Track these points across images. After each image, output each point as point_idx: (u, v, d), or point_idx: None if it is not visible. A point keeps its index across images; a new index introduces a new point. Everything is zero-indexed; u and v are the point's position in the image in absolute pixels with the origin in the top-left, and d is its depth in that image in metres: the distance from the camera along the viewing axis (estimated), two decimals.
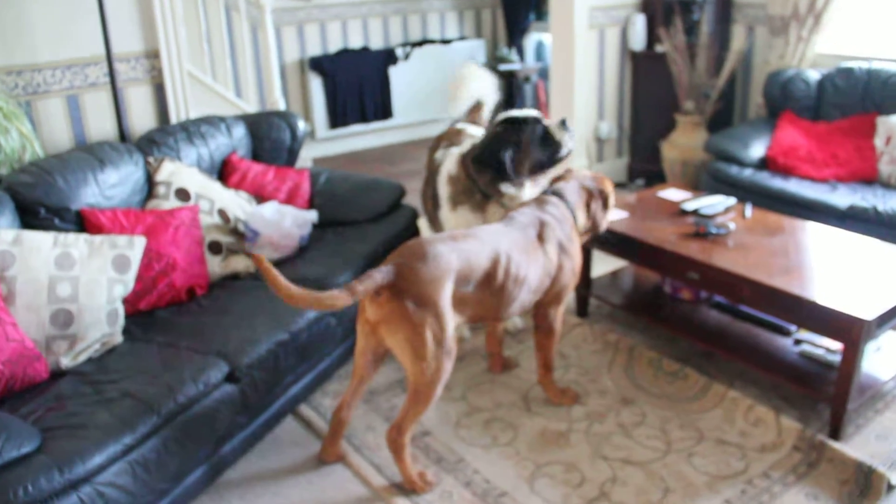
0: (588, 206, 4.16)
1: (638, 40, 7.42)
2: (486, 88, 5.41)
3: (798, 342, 4.34)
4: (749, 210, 4.87)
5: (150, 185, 4.52)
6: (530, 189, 4.54)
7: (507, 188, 4.42)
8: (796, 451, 3.77)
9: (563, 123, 4.41)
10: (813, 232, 4.58)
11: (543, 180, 4.51)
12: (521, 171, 4.39)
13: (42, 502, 2.80)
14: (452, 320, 3.50)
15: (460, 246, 3.53)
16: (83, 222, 4.09)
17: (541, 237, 3.86)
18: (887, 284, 3.90)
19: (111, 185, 4.29)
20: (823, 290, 3.84)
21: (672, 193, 5.25)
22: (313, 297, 3.18)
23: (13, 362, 3.31)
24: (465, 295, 3.56)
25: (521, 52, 10.24)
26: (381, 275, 3.31)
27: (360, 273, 4.38)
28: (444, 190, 4.60)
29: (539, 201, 4.04)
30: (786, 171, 5.88)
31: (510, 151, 4.34)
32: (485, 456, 3.86)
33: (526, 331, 4.97)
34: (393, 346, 3.45)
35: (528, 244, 3.79)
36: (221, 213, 4.59)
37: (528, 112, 4.45)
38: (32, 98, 5.20)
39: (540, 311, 4.10)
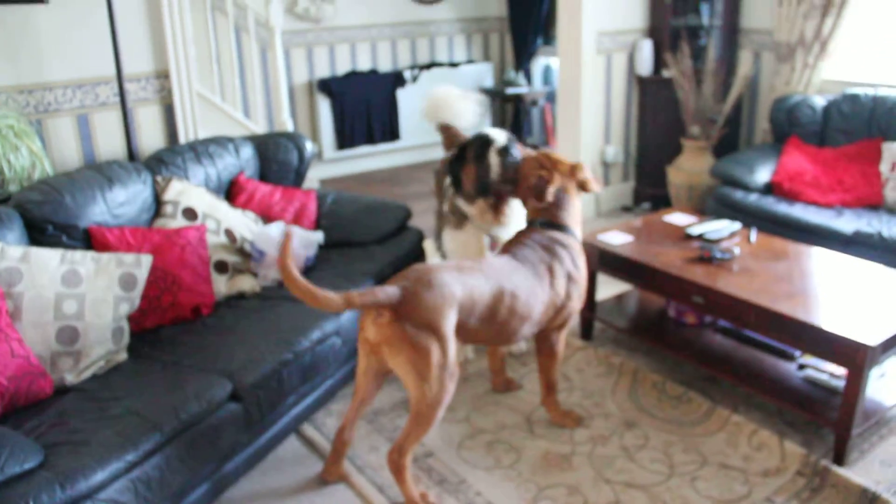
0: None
1: (645, 65, 7.44)
2: (462, 111, 5.41)
3: (802, 367, 4.33)
4: (754, 235, 4.87)
5: (158, 204, 4.53)
6: (518, 216, 4.57)
7: (462, 204, 4.49)
8: (800, 477, 3.75)
9: (506, 149, 4.35)
10: (818, 257, 4.57)
11: (517, 208, 4.53)
12: (467, 188, 4.42)
13: None
14: (455, 344, 3.49)
15: (465, 279, 3.53)
16: (91, 240, 4.11)
17: (551, 272, 3.87)
18: (892, 310, 3.89)
19: (119, 204, 4.30)
20: (828, 316, 3.84)
21: (677, 218, 5.26)
22: (310, 291, 3.18)
23: (18, 378, 3.32)
24: (467, 325, 3.56)
25: (528, 76, 10.30)
26: (384, 294, 3.30)
27: None
28: (445, 209, 4.68)
29: (544, 239, 3.99)
30: (791, 197, 5.89)
31: (455, 168, 4.43)
32: (487, 478, 3.85)
33: (529, 353, 4.97)
34: (395, 367, 3.44)
35: (535, 282, 3.80)
36: (228, 232, 4.60)
37: (493, 131, 4.45)
38: (43, 116, 5.24)
39: (542, 334, 4.10)
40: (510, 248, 3.98)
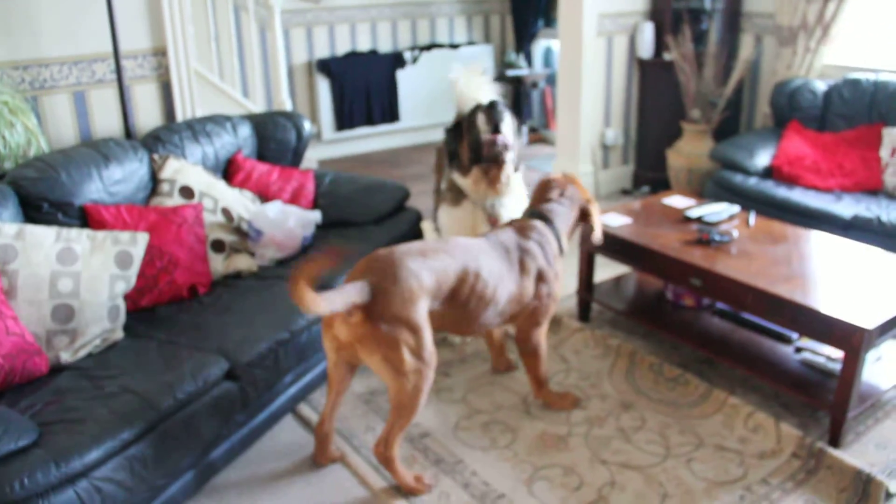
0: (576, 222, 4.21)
1: (646, 48, 7.43)
2: (481, 91, 5.43)
3: (799, 350, 4.35)
4: (753, 218, 4.89)
5: (155, 182, 4.53)
6: (517, 188, 4.59)
7: (456, 177, 4.53)
8: (795, 459, 3.77)
9: (491, 105, 4.41)
10: (816, 241, 4.59)
11: (521, 181, 4.59)
12: (462, 159, 4.45)
13: (38, 496, 2.81)
14: (429, 332, 3.47)
15: (430, 263, 3.49)
16: (86, 218, 4.10)
17: (521, 265, 3.86)
18: (889, 294, 3.91)
19: (115, 182, 4.30)
20: (825, 299, 3.86)
21: (676, 200, 5.27)
22: (300, 292, 3.06)
23: (13, 356, 3.32)
24: (432, 310, 3.53)
25: (529, 58, 10.29)
26: (356, 293, 3.24)
27: None
28: (443, 186, 4.72)
29: (524, 226, 4.00)
30: (791, 181, 5.90)
31: (451, 144, 4.49)
32: (483, 458, 3.87)
33: None
34: (370, 364, 3.42)
35: (502, 267, 3.78)
36: (225, 211, 4.60)
37: (482, 99, 4.52)
38: (39, 93, 5.23)
39: (520, 333, 4.10)
40: (490, 232, 3.99)
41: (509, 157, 4.43)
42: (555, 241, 4.02)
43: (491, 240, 3.86)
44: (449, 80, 5.34)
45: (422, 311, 3.41)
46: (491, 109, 4.38)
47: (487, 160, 4.39)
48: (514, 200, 4.64)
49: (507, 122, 4.44)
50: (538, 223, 4.02)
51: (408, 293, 3.35)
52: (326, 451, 3.84)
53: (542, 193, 4.20)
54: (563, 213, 4.11)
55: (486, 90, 5.29)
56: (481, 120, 4.39)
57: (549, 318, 4.12)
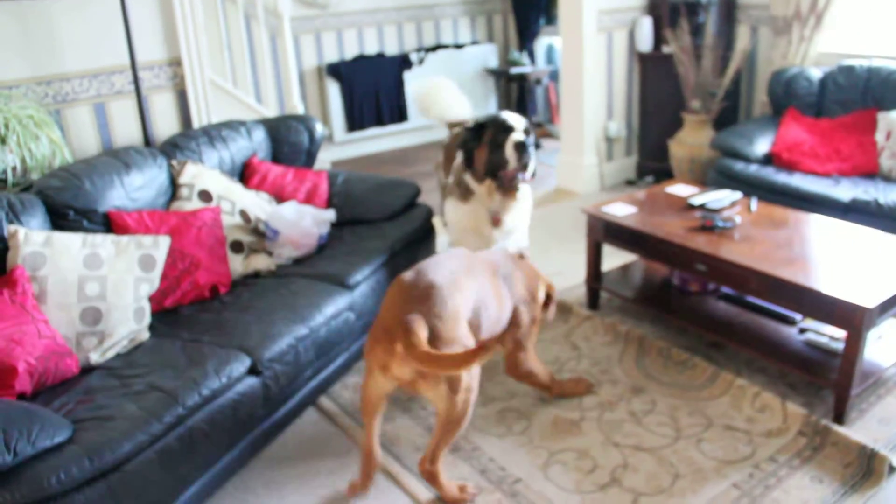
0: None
1: (645, 42, 7.49)
2: (452, 100, 5.56)
3: (803, 331, 4.41)
4: (754, 204, 4.93)
5: (174, 187, 4.62)
6: (524, 196, 4.71)
7: (470, 181, 4.63)
8: (801, 436, 3.83)
9: (521, 144, 4.47)
10: (816, 224, 4.64)
11: (528, 190, 4.71)
12: (478, 167, 4.56)
13: (74, 490, 2.90)
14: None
15: (464, 294, 3.45)
16: (110, 224, 4.19)
17: (510, 291, 3.84)
18: (888, 274, 3.95)
19: (136, 188, 4.39)
20: (827, 280, 3.91)
21: (680, 189, 5.32)
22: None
23: (45, 358, 3.41)
24: None
25: (532, 56, 10.35)
26: (422, 330, 3.16)
27: (378, 269, 4.54)
28: (450, 181, 4.82)
29: (510, 254, 4.03)
30: (790, 167, 5.95)
31: (470, 146, 4.55)
32: (499, 444, 3.94)
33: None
34: (429, 393, 3.33)
35: (497, 293, 3.73)
36: (243, 213, 4.69)
37: (511, 117, 4.57)
38: (61, 106, 5.32)
39: (509, 364, 4.06)
40: (484, 252, 3.96)
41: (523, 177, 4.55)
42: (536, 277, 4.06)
43: (486, 262, 3.82)
44: (413, 93, 5.47)
45: (465, 329, 3.39)
46: (521, 147, 4.44)
47: (505, 187, 4.53)
48: (519, 207, 4.74)
49: (533, 162, 4.54)
50: (524, 262, 4.09)
51: (454, 311, 3.33)
52: (372, 477, 3.69)
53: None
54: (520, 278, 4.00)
55: (456, 99, 5.41)
56: (511, 153, 4.46)
57: (530, 343, 4.05)
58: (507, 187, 4.57)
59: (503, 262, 3.92)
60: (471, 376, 3.35)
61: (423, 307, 3.26)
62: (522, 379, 4.10)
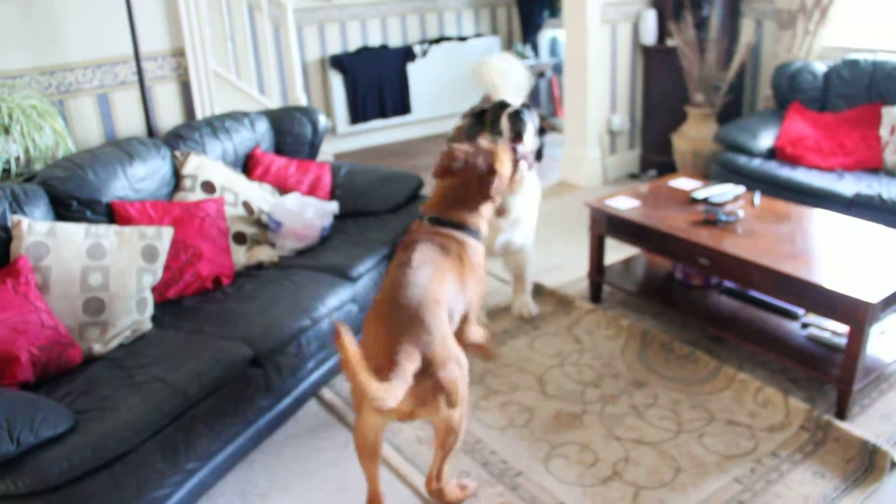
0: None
1: (649, 35, 7.47)
2: (513, 76, 5.50)
3: (805, 326, 4.41)
4: (758, 198, 4.93)
5: (177, 178, 4.63)
6: (530, 185, 4.71)
7: None
8: (803, 431, 3.84)
9: (514, 113, 4.43)
10: (820, 219, 4.63)
11: (535, 178, 4.71)
12: None
13: (76, 480, 2.93)
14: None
15: (444, 305, 3.26)
16: (113, 214, 4.21)
17: (467, 271, 3.55)
18: (892, 269, 3.96)
19: (140, 179, 4.40)
20: (830, 275, 3.91)
21: (683, 183, 5.31)
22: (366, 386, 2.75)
23: (48, 348, 3.43)
24: None
25: (535, 49, 10.34)
26: (411, 364, 2.92)
27: (380, 262, 4.52)
28: None
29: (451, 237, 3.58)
30: (793, 161, 5.95)
31: (473, 131, 4.54)
32: (501, 437, 3.95)
33: (541, 317, 5.08)
34: (429, 416, 3.18)
35: (461, 277, 3.50)
36: (246, 204, 4.70)
37: (511, 99, 4.58)
38: (65, 97, 5.32)
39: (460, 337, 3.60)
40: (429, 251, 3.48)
41: (525, 161, 4.47)
42: (479, 244, 3.68)
43: (444, 249, 3.50)
44: (475, 64, 5.41)
45: (453, 338, 3.25)
46: (515, 116, 4.42)
47: None
48: (525, 197, 4.71)
49: (530, 131, 4.47)
50: (462, 234, 3.61)
51: (442, 327, 3.16)
52: None
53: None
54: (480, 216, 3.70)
55: (514, 76, 5.35)
56: (505, 125, 4.44)
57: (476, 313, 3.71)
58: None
59: (454, 240, 3.56)
60: (465, 385, 3.21)
61: (411, 336, 3.02)
62: (467, 349, 3.73)
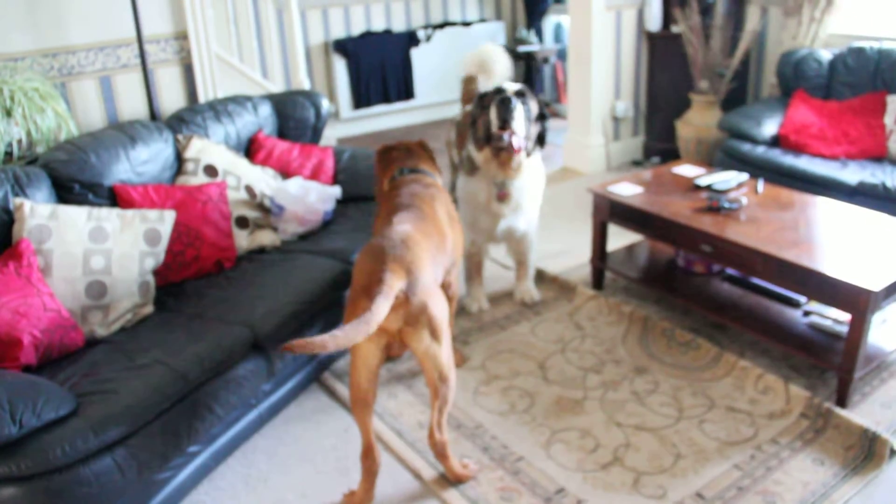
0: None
1: (654, 21, 7.46)
2: (499, 64, 5.54)
3: (807, 313, 4.41)
4: (761, 186, 4.92)
5: (180, 161, 4.62)
6: (532, 170, 4.69)
7: (473, 152, 4.62)
8: (804, 418, 3.85)
9: (503, 100, 4.42)
10: (823, 207, 4.63)
11: (538, 162, 4.73)
12: (477, 135, 4.55)
13: (79, 462, 2.93)
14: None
15: (418, 240, 3.39)
16: (115, 197, 4.20)
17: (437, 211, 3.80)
18: (894, 258, 3.95)
19: (142, 162, 4.39)
20: (832, 263, 3.90)
21: (686, 169, 5.30)
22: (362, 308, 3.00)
23: (50, 331, 3.44)
24: None
25: (539, 34, 10.31)
26: (396, 282, 3.09)
27: None
28: (461, 157, 4.85)
29: (421, 182, 3.98)
30: (797, 149, 5.94)
31: (475, 115, 4.56)
32: (502, 422, 3.95)
33: (543, 303, 5.08)
34: (416, 343, 3.24)
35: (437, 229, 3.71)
36: (248, 188, 4.69)
37: (509, 84, 4.58)
38: (67, 79, 5.33)
39: (447, 285, 3.98)
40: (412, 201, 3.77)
41: (522, 145, 4.46)
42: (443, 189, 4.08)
43: (417, 204, 3.73)
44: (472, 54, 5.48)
45: (433, 277, 3.40)
46: (503, 104, 4.39)
47: (496, 149, 4.48)
48: (526, 181, 4.68)
49: (519, 118, 4.41)
50: (427, 178, 4.06)
51: (426, 257, 3.32)
52: (374, 481, 3.49)
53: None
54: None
55: (499, 65, 5.39)
56: (493, 112, 4.42)
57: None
58: (496, 148, 4.47)
59: (427, 179, 4.04)
60: (447, 325, 3.33)
61: (395, 257, 3.18)
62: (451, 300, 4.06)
